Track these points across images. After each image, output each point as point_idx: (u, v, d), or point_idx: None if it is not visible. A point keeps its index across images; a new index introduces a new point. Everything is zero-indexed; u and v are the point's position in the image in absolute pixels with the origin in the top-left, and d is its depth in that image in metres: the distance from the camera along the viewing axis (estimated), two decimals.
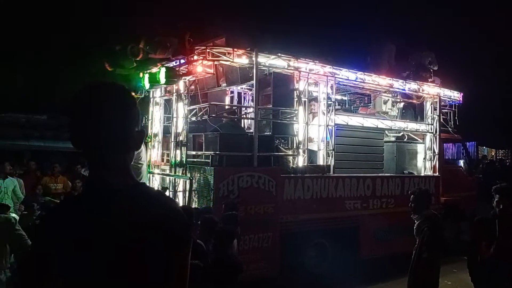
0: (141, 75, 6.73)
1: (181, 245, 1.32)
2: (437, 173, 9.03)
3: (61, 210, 1.39)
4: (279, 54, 6.77)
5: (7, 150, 9.75)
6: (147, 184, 1.46)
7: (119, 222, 1.26)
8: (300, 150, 7.02)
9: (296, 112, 7.02)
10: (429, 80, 9.57)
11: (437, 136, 9.16)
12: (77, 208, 1.33)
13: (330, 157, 7.27)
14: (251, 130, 7.01)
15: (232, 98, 8.75)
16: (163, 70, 6.24)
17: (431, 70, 9.87)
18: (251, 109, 7.35)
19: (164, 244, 1.27)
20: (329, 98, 7.37)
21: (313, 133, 7.29)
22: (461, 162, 10.89)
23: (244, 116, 7.98)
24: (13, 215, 4.81)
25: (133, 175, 1.38)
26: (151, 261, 1.26)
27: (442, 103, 9.46)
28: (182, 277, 1.34)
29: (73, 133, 1.33)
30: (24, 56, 13.61)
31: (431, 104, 9.22)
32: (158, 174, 7.34)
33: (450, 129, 9.81)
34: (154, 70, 6.61)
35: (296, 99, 7.03)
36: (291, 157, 7.08)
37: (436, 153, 9.10)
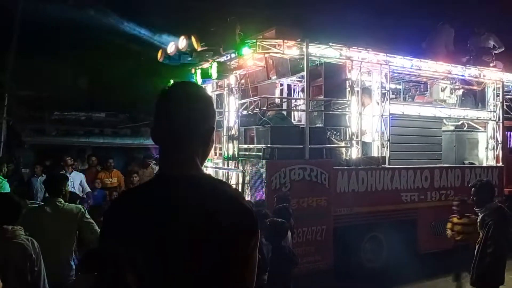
0: (193, 70, 6.86)
1: (250, 235, 1.32)
2: (501, 163, 8.53)
3: (126, 200, 1.41)
4: (330, 44, 6.63)
5: (71, 147, 10.34)
6: (212, 176, 1.47)
7: (186, 211, 1.27)
8: (354, 142, 6.86)
9: (348, 102, 6.87)
10: (491, 64, 9.03)
11: (500, 124, 8.63)
12: (142, 197, 1.35)
13: (385, 148, 7.06)
14: (301, 122, 6.95)
15: (281, 90, 8.71)
16: (214, 65, 6.32)
17: (493, 53, 9.30)
18: (301, 101, 7.27)
19: (232, 234, 1.28)
20: (383, 87, 7.15)
21: (366, 124, 7.10)
22: None
23: (295, 108, 7.93)
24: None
25: (200, 168, 1.41)
26: (219, 251, 1.26)
27: (505, 88, 8.90)
28: (251, 268, 1.34)
29: (153, 127, 1.42)
30: (83, 57, 14.26)
31: (493, 90, 8.69)
32: (211, 167, 7.48)
33: None
34: (206, 65, 6.70)
35: (349, 89, 6.87)
36: (344, 149, 6.94)
37: (499, 142, 8.59)
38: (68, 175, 7.52)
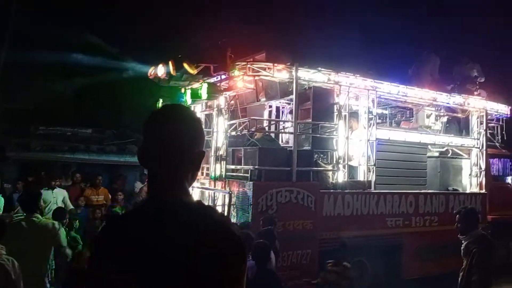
0: (183, 90, 6.88)
1: (239, 261, 1.32)
2: (484, 190, 8.65)
3: (115, 225, 1.40)
4: (319, 68, 6.74)
5: (55, 163, 10.19)
6: (202, 201, 1.47)
7: (177, 237, 1.27)
8: (340, 165, 6.91)
9: (336, 126, 6.94)
10: (475, 93, 9.25)
11: (484, 151, 8.79)
12: (132, 223, 1.35)
13: (371, 172, 7.12)
14: (289, 144, 6.98)
15: (270, 112, 8.77)
16: (204, 86, 6.35)
17: (477, 82, 9.55)
18: (290, 123, 7.33)
19: (220, 261, 1.28)
20: (370, 112, 7.25)
21: (353, 148, 7.17)
22: (509, 179, 10.39)
23: (283, 130, 7.97)
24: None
25: (189, 193, 1.41)
26: (207, 278, 1.26)
27: (489, 116, 9.10)
28: None
29: (141, 149, 1.40)
30: (70, 71, 14.21)
31: (477, 117, 8.88)
32: (198, 188, 7.43)
33: (497, 144, 9.41)
34: (196, 85, 6.74)
35: (336, 113, 6.96)
36: (330, 172, 6.98)
37: (483, 169, 8.73)
38: (51, 192, 7.45)
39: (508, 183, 10.06)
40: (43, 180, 8.34)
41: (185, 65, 6.22)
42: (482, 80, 9.51)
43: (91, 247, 1.42)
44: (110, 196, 8.82)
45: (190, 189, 1.46)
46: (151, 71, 6.90)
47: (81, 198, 8.26)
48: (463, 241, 4.55)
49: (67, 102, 14.56)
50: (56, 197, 7.57)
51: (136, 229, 1.31)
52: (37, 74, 12.84)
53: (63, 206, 7.63)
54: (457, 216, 4.67)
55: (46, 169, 9.17)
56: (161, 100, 7.45)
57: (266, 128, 7.95)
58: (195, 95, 6.51)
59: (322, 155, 7.15)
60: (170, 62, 6.53)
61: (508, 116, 9.47)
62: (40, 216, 4.32)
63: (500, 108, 9.27)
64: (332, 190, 6.74)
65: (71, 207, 7.76)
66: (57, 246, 4.37)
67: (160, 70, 6.77)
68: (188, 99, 6.72)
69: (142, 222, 1.32)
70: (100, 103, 13.80)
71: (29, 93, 12.47)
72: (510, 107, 9.45)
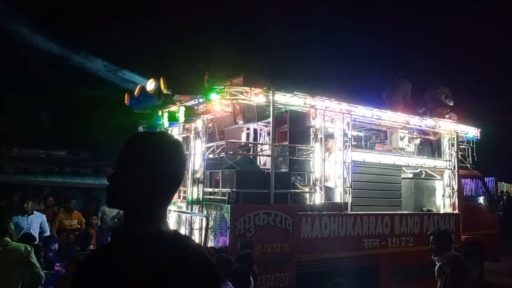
0: (160, 113, 6.88)
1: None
2: (457, 211, 8.86)
3: (97, 258, 1.40)
4: (295, 93, 6.87)
5: (28, 185, 9.93)
6: (178, 231, 1.50)
7: (158, 268, 1.29)
8: (317, 187, 6.98)
9: (312, 149, 7.04)
10: (446, 116, 9.56)
11: (456, 173, 9.03)
12: (113, 256, 1.35)
13: (347, 194, 7.21)
14: (267, 167, 7.03)
15: (248, 134, 8.82)
16: (182, 109, 6.38)
17: (448, 105, 9.88)
18: (267, 146, 7.40)
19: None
20: (345, 134, 7.40)
21: (329, 170, 7.26)
22: (481, 199, 10.66)
23: (261, 152, 8.03)
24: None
25: (167, 223, 1.43)
26: None
27: (460, 139, 9.39)
28: None
29: (124, 177, 1.38)
30: (45, 93, 14.01)
31: (449, 140, 9.16)
32: (175, 211, 7.36)
33: (468, 165, 9.68)
34: (174, 108, 6.75)
35: (313, 136, 7.07)
36: (308, 194, 7.04)
37: (455, 190, 8.95)
38: (26, 218, 7.25)
39: (480, 203, 10.32)
40: (15, 204, 8.11)
41: (161, 82, 6.26)
42: (451, 103, 9.84)
43: (71, 282, 1.41)
44: (84, 220, 8.62)
45: (168, 212, 1.48)
46: (126, 98, 6.89)
47: (47, 224, 8.04)
48: (436, 262, 4.65)
49: (41, 123, 14.30)
50: (31, 223, 7.32)
51: (115, 264, 1.31)
52: (10, 95, 12.61)
53: (41, 231, 7.43)
54: (431, 237, 4.79)
55: (19, 192, 8.93)
56: (138, 124, 7.42)
57: (245, 151, 7.99)
58: (173, 118, 6.51)
59: (299, 177, 7.22)
60: (151, 80, 6.56)
61: (478, 138, 9.80)
62: (9, 240, 4.28)
63: (470, 131, 9.59)
64: (309, 212, 6.78)
65: (48, 232, 7.55)
66: (28, 268, 4.32)
67: (138, 89, 6.77)
68: (165, 122, 6.72)
69: (120, 256, 1.33)
70: (75, 125, 13.61)
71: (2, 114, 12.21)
72: (479, 130, 9.80)
